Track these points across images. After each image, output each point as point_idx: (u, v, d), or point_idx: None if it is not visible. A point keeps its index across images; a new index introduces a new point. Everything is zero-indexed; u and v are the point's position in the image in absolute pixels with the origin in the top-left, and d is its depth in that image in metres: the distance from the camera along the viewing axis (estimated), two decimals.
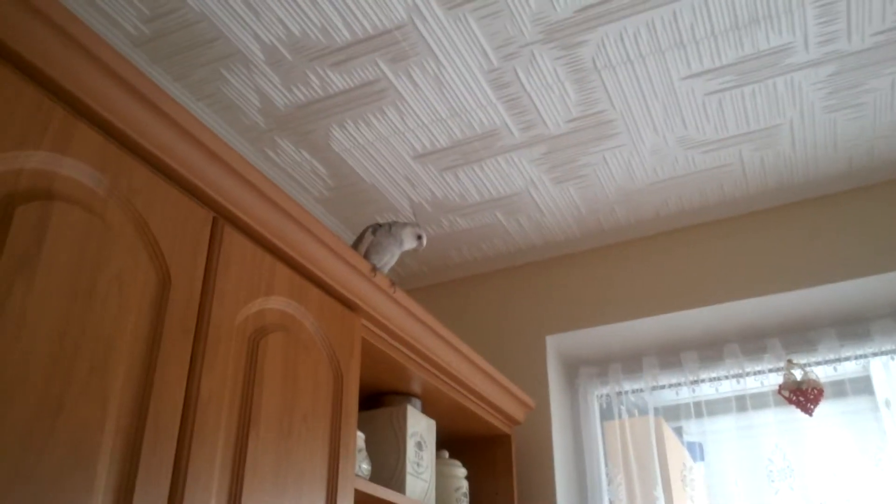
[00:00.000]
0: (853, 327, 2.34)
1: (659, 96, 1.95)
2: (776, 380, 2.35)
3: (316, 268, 1.47)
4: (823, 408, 2.26)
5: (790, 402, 2.28)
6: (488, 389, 2.09)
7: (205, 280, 1.20)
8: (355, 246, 1.70)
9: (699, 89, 1.93)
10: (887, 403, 2.21)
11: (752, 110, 2.01)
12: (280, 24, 1.73)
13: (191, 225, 1.19)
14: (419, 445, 1.87)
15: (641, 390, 2.52)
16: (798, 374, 2.31)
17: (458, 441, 2.30)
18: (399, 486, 1.76)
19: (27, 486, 0.85)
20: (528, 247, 2.64)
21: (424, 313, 1.79)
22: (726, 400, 2.45)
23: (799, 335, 2.40)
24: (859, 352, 2.30)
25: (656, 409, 2.51)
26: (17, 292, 0.89)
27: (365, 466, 1.63)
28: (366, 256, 1.69)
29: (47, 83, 0.99)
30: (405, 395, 1.95)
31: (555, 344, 2.58)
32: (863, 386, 2.31)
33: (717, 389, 2.46)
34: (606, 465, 2.50)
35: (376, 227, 1.74)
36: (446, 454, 2.10)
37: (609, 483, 2.46)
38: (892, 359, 2.25)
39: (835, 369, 2.32)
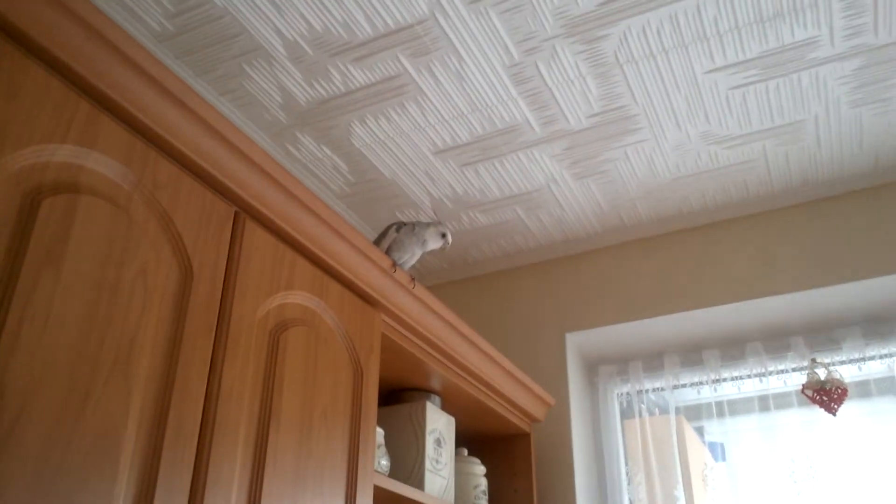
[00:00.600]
0: (879, 326, 2.30)
1: (682, 91, 1.94)
2: (800, 379, 2.32)
3: (336, 263, 1.47)
4: (848, 408, 2.23)
5: (814, 401, 2.26)
6: (508, 387, 2.08)
7: (226, 274, 1.20)
8: (377, 242, 1.70)
9: (723, 84, 1.91)
10: None
11: (777, 105, 1.99)
12: (302, 19, 1.73)
13: (213, 219, 1.19)
14: (438, 442, 1.87)
15: (662, 389, 2.50)
16: (822, 374, 2.28)
17: (477, 438, 2.30)
18: (418, 483, 1.76)
19: (54, 478, 0.86)
20: (549, 243, 2.62)
21: (444, 309, 1.78)
22: (749, 399, 2.42)
23: (823, 334, 2.37)
24: (885, 351, 2.27)
25: (677, 408, 2.49)
26: (43, 285, 0.90)
27: (384, 462, 1.63)
28: (387, 253, 1.69)
29: (74, 78, 1.00)
30: (425, 392, 1.94)
31: (575, 341, 2.56)
32: (888, 386, 2.28)
33: (739, 388, 2.44)
34: (626, 464, 2.48)
35: (400, 225, 1.74)
36: (465, 451, 2.09)
37: (629, 482, 2.44)
38: None
39: (859, 369, 2.29)
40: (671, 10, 1.69)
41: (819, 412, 2.25)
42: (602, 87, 1.92)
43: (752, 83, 1.91)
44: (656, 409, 2.52)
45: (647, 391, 2.53)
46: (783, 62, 1.84)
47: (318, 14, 1.72)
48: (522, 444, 2.27)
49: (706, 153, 2.17)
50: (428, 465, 1.80)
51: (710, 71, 1.87)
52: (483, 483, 2.08)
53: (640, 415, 2.50)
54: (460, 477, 2.03)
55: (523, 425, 2.23)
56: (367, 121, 2.05)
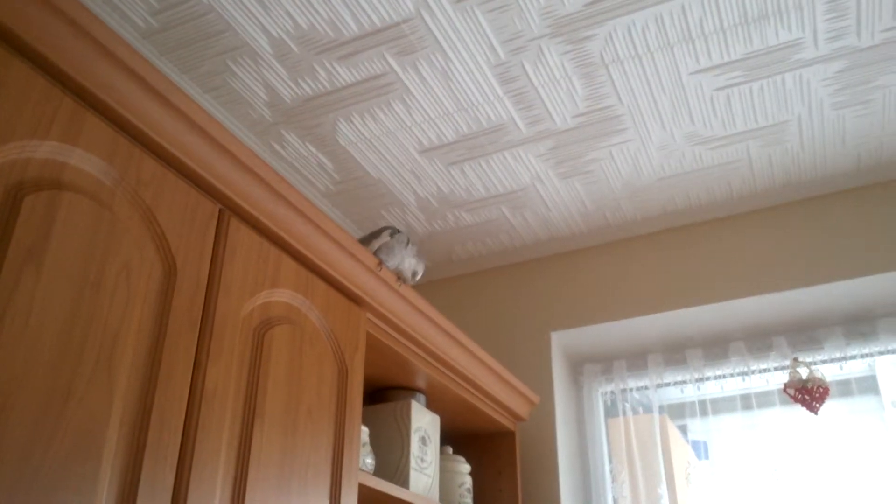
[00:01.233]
0: (860, 326, 2.33)
1: (667, 91, 1.95)
2: (782, 378, 2.34)
3: (322, 261, 1.46)
4: (829, 407, 2.26)
5: (796, 400, 2.28)
6: (493, 385, 2.09)
7: (211, 272, 1.20)
8: (368, 239, 1.70)
9: (707, 85, 1.92)
10: (894, 403, 2.20)
11: (761, 106, 2.00)
12: (288, 16, 1.72)
13: (197, 217, 1.18)
14: (423, 441, 1.87)
15: (646, 388, 2.52)
16: (804, 373, 2.30)
17: (462, 437, 2.30)
18: (403, 481, 1.76)
19: (35, 477, 0.85)
20: (534, 242, 2.63)
21: (430, 308, 1.78)
22: (731, 398, 2.44)
23: (805, 333, 2.39)
24: (865, 350, 2.29)
25: (661, 407, 2.51)
26: (25, 282, 0.89)
27: (369, 461, 1.63)
28: (375, 253, 1.68)
29: (57, 74, 0.99)
30: (410, 391, 1.94)
31: (560, 340, 2.57)
32: (869, 385, 2.30)
33: (722, 387, 2.46)
34: (610, 462, 2.49)
35: (395, 231, 1.74)
36: (450, 450, 2.10)
37: (613, 480, 2.45)
38: None
39: (841, 368, 2.31)
40: (656, 11, 1.70)
41: (801, 411, 2.27)
42: (588, 87, 1.93)
43: (736, 84, 1.92)
44: (640, 408, 2.54)
45: (631, 390, 2.54)
46: (767, 64, 1.85)
47: (304, 12, 1.71)
48: (507, 443, 2.27)
49: (691, 154, 2.18)
50: (413, 463, 1.80)
51: (695, 72, 1.88)
52: (468, 481, 2.08)
53: (624, 413, 2.52)
54: (445, 475, 2.04)
55: (508, 424, 2.23)
56: (353, 119, 2.05)
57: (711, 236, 2.44)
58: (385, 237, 1.71)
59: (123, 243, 1.04)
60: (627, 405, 2.53)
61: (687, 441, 2.49)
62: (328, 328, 1.47)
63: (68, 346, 0.93)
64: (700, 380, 2.45)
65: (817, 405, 2.25)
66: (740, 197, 2.37)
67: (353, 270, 1.55)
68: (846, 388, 2.31)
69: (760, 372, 2.39)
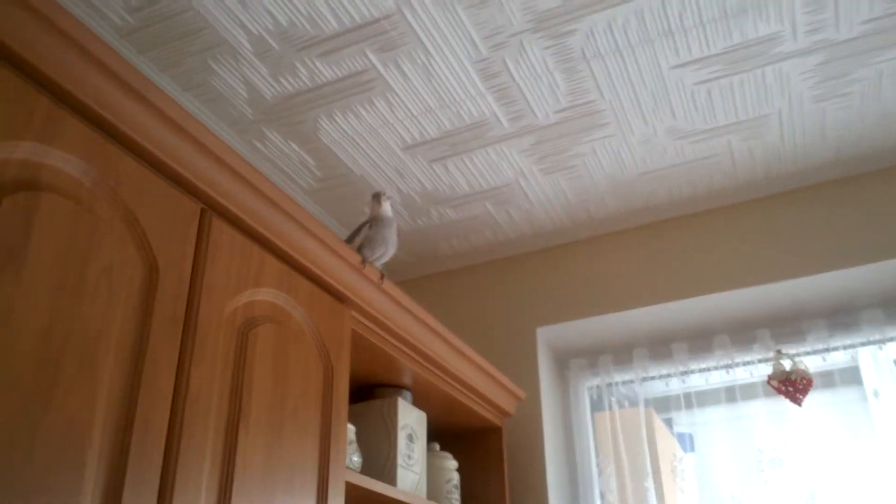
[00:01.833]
0: (842, 317, 2.35)
1: (648, 86, 1.95)
2: (765, 370, 2.36)
3: (305, 259, 1.46)
4: (812, 398, 2.27)
5: (779, 392, 2.29)
6: (479, 381, 2.09)
7: (193, 272, 1.19)
8: (351, 238, 1.70)
9: (688, 79, 1.93)
10: (876, 393, 2.22)
11: (741, 100, 2.01)
12: (267, 13, 1.71)
13: (179, 216, 1.17)
14: (410, 438, 1.87)
15: (632, 381, 2.53)
16: (787, 365, 2.31)
17: (449, 433, 2.30)
18: (390, 479, 1.76)
19: (17, 481, 0.84)
20: (518, 238, 2.63)
21: (414, 305, 1.78)
22: (716, 390, 2.46)
23: (788, 325, 2.41)
24: (848, 342, 2.31)
25: (646, 400, 2.52)
26: (4, 285, 0.88)
27: (356, 459, 1.62)
28: (359, 250, 1.68)
29: (33, 73, 0.98)
30: (396, 388, 1.94)
31: (545, 335, 2.58)
32: (852, 376, 2.32)
33: (706, 380, 2.47)
34: (597, 456, 2.50)
35: (372, 219, 1.74)
36: (437, 446, 2.09)
37: (599, 474, 2.46)
38: (881, 349, 2.26)
39: (824, 359, 2.33)
40: (636, 5, 1.71)
41: (785, 402, 2.29)
42: (569, 82, 1.93)
43: (716, 78, 1.93)
44: (626, 402, 2.55)
45: (616, 384, 2.55)
46: (747, 57, 1.86)
47: (284, 8, 1.70)
48: (494, 438, 2.28)
49: (672, 148, 2.19)
50: (400, 460, 1.79)
51: (676, 66, 1.89)
52: (455, 477, 2.08)
53: (611, 407, 2.53)
54: (432, 472, 2.04)
55: (495, 419, 2.23)
56: (335, 116, 2.04)
57: (694, 230, 2.45)
58: (365, 231, 1.71)
59: (104, 244, 1.03)
60: (613, 399, 2.54)
61: (672, 434, 2.51)
62: (313, 327, 1.46)
63: (49, 349, 0.91)
64: (685, 373, 2.46)
65: (801, 396, 2.27)
66: (722, 190, 2.39)
67: (336, 268, 1.55)
68: (829, 379, 2.33)
69: (744, 364, 2.40)
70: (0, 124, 0.92)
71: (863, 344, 2.28)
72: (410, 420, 1.89)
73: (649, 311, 2.42)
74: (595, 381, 2.60)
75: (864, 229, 2.21)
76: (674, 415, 2.51)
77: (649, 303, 2.40)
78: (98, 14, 1.69)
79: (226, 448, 1.17)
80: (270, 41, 1.79)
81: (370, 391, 1.94)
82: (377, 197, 1.78)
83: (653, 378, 2.52)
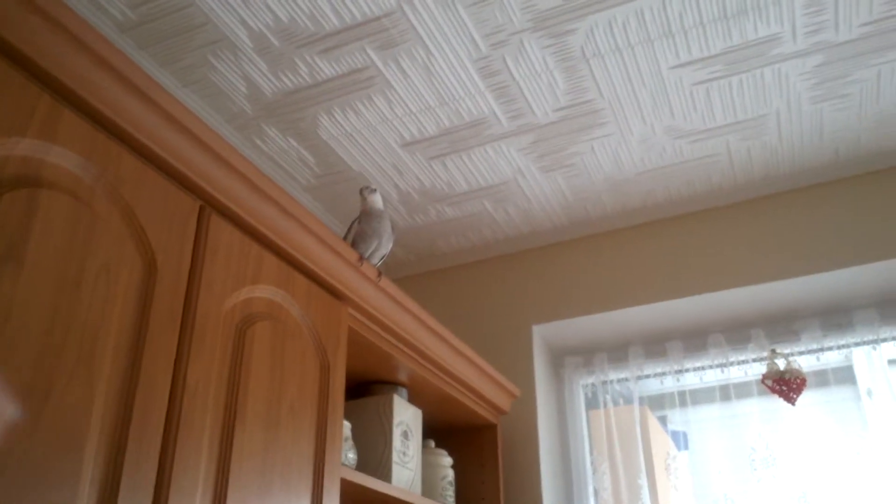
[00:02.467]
0: (836, 317, 2.36)
1: (647, 86, 1.96)
2: (760, 369, 2.37)
3: (303, 256, 1.46)
4: (806, 397, 2.28)
5: (773, 391, 2.30)
6: (474, 378, 2.09)
7: (191, 269, 1.19)
8: (346, 235, 1.71)
9: (687, 79, 1.94)
10: (869, 393, 2.23)
11: (740, 100, 2.02)
12: (268, 10, 1.71)
13: (178, 213, 1.18)
14: (405, 435, 1.87)
15: (627, 379, 2.54)
16: (781, 364, 2.32)
17: (444, 430, 2.31)
18: (385, 476, 1.77)
19: (16, 476, 0.85)
20: (516, 236, 2.64)
21: (411, 302, 1.79)
22: (710, 389, 2.47)
23: (782, 325, 2.42)
24: (842, 342, 2.32)
25: (641, 399, 2.53)
26: (4, 281, 0.88)
27: (351, 455, 1.63)
28: (353, 247, 1.68)
29: (34, 70, 0.98)
30: (392, 385, 1.95)
31: (541, 333, 2.58)
32: (845, 376, 2.33)
33: (701, 379, 2.48)
34: (591, 453, 2.51)
35: (363, 218, 1.75)
36: (432, 443, 2.10)
37: (594, 472, 2.47)
38: (875, 349, 2.27)
39: (818, 359, 2.34)
40: (637, 5, 1.71)
41: (778, 401, 2.30)
42: (569, 81, 1.93)
43: (715, 78, 1.94)
44: (621, 400, 2.56)
45: (611, 382, 2.56)
46: (746, 58, 1.87)
47: (284, 5, 1.70)
48: (489, 436, 2.28)
49: (671, 147, 2.19)
50: (395, 457, 1.80)
51: (675, 66, 1.89)
52: (450, 474, 2.09)
53: (605, 405, 2.54)
54: (428, 469, 2.04)
55: (490, 417, 2.24)
56: (334, 113, 2.04)
57: (691, 229, 2.46)
58: (355, 227, 1.72)
59: (103, 240, 1.03)
60: (608, 397, 2.55)
61: (667, 432, 2.52)
62: (310, 323, 1.46)
63: (48, 345, 0.92)
64: (680, 371, 2.47)
65: (795, 396, 2.28)
66: (720, 190, 2.39)
67: (334, 265, 1.55)
68: (823, 378, 2.34)
69: (739, 363, 2.41)
70: (2, 121, 0.92)
71: (857, 344, 2.29)
72: (406, 417, 1.90)
73: (645, 309, 2.43)
74: (590, 379, 2.61)
75: (859, 230, 2.22)
76: (668, 413, 2.52)
77: (645, 301, 2.41)
78: (99, 9, 1.69)
79: (222, 443, 1.18)
80: (271, 37, 1.79)
81: (366, 388, 1.94)
82: (362, 191, 1.79)
83: (647, 376, 2.53)
